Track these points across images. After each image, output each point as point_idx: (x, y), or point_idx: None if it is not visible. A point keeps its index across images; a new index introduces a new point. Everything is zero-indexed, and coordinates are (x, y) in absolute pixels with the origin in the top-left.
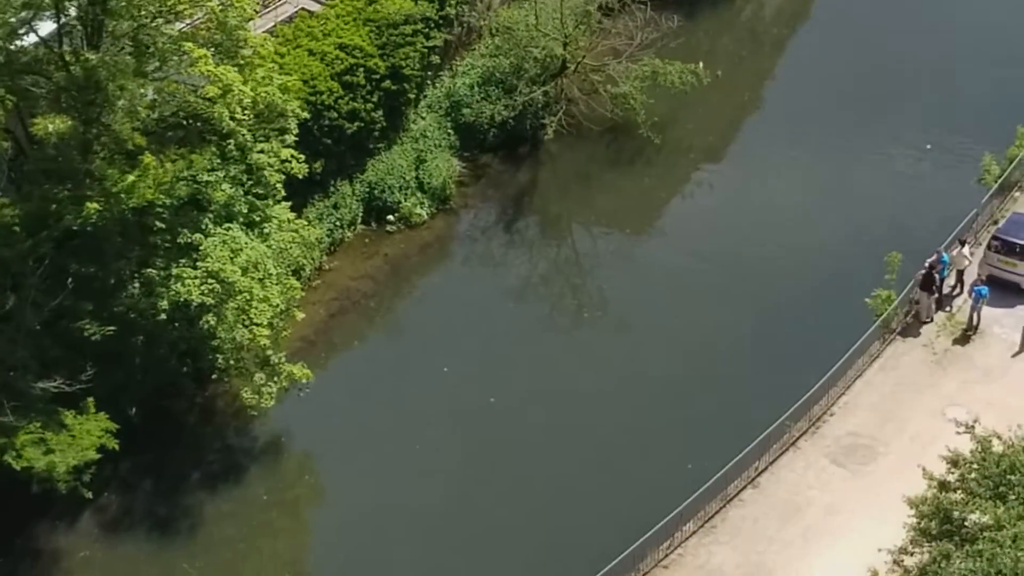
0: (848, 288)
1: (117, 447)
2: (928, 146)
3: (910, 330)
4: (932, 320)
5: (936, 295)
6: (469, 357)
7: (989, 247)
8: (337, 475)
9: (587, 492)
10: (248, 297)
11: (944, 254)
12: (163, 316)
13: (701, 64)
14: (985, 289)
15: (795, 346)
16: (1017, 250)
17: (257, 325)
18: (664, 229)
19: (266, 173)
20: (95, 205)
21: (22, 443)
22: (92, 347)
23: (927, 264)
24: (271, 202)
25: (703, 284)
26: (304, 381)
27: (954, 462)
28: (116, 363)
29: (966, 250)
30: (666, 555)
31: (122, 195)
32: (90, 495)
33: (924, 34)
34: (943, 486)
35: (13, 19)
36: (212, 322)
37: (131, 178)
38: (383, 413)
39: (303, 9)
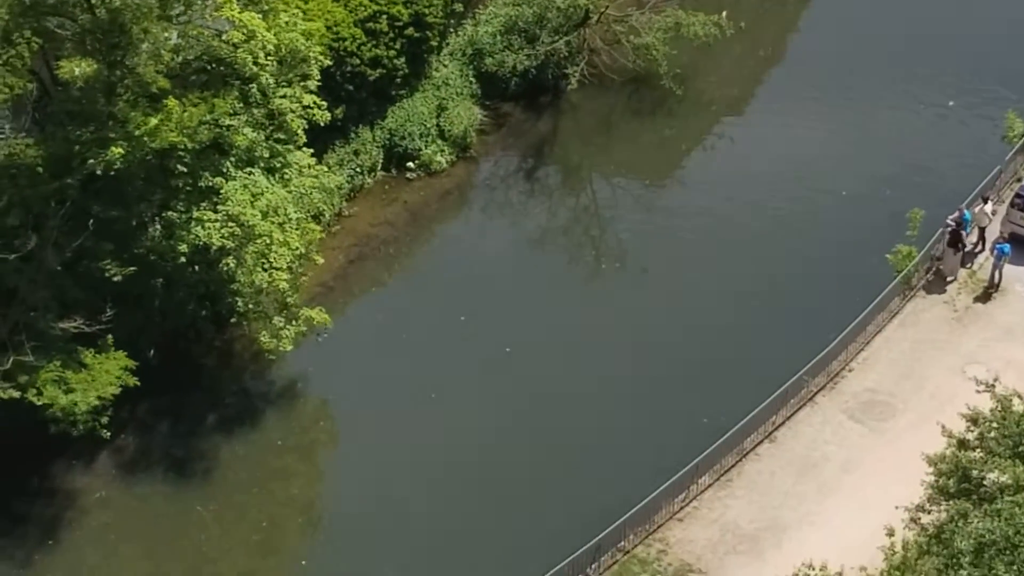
0: (869, 243)
1: (136, 383)
2: (951, 103)
3: (931, 287)
4: (956, 278)
5: (961, 252)
6: (487, 306)
7: (1012, 204)
8: (352, 421)
9: (602, 444)
10: (268, 241)
11: (967, 211)
12: (183, 259)
13: (724, 14)
14: (1007, 247)
15: (815, 301)
16: None
17: (277, 269)
18: (684, 180)
19: (288, 119)
20: (119, 149)
21: (43, 381)
22: (112, 288)
23: (952, 221)
24: (292, 147)
25: (722, 237)
26: (322, 326)
27: (974, 420)
28: (135, 305)
29: (988, 207)
30: (681, 508)
31: (145, 138)
32: (108, 435)
33: None
34: (962, 444)
35: None
36: (232, 265)
37: (154, 121)
38: (399, 360)
39: None
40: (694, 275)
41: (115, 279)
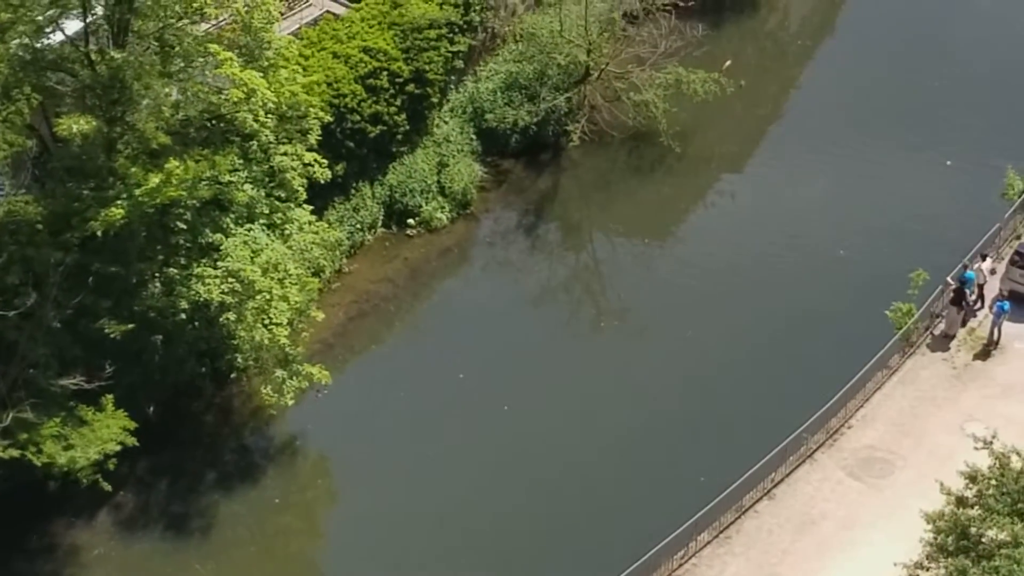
0: (868, 301)
1: (136, 443)
2: (948, 162)
3: (931, 344)
4: (955, 336)
5: (964, 310)
6: (486, 363)
7: (1012, 262)
8: (352, 478)
9: (601, 501)
10: (268, 296)
11: (970, 271)
12: (183, 316)
13: (727, 65)
14: (1007, 304)
15: (814, 358)
16: None
17: (277, 325)
18: (684, 238)
19: (288, 176)
20: (120, 211)
21: (43, 438)
22: (112, 345)
23: (953, 280)
24: (292, 204)
25: (722, 294)
26: (322, 383)
27: (972, 478)
28: (135, 362)
29: (987, 264)
30: (680, 565)
31: (145, 197)
32: (109, 487)
33: (946, 49)
34: (961, 502)
35: (40, 17)
36: (232, 320)
37: (155, 180)
38: (399, 417)
39: (328, 12)
40: (693, 332)
41: (114, 336)
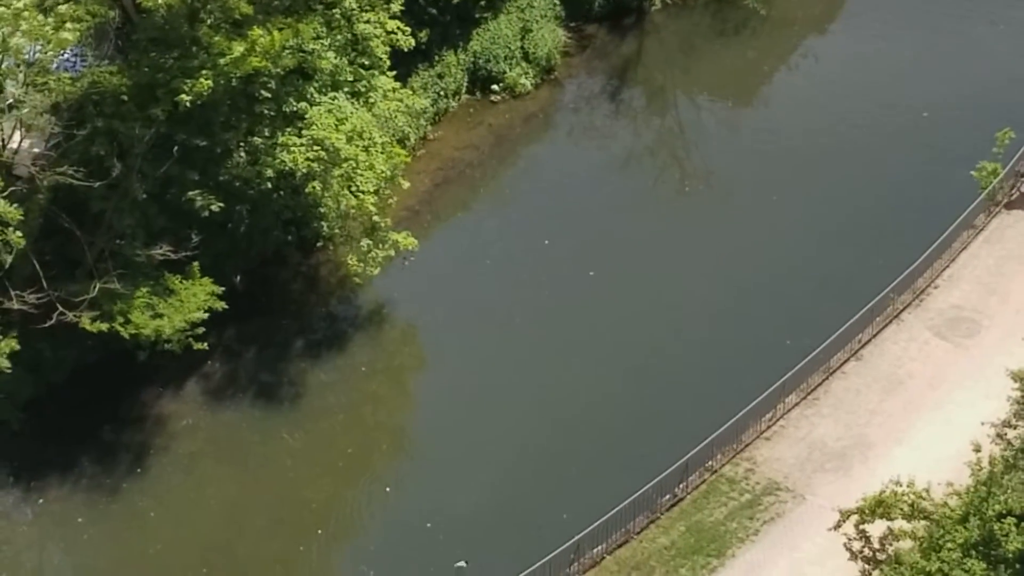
0: (955, 160)
1: (224, 307)
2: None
3: (1016, 203)
4: None
5: None
6: (571, 229)
7: None
8: (438, 346)
9: (689, 368)
10: (354, 164)
11: None
12: (268, 185)
13: None
14: None
15: (900, 219)
16: None
17: (363, 192)
18: (769, 101)
19: (372, 44)
20: (207, 81)
21: (130, 308)
22: (197, 215)
23: None
24: (376, 72)
25: (807, 157)
26: (409, 249)
27: None
28: (221, 231)
29: None
30: (768, 427)
31: (230, 66)
32: (205, 346)
33: None
34: None
35: None
36: (318, 189)
37: (239, 49)
38: (485, 284)
39: None
40: (779, 196)
41: (203, 213)
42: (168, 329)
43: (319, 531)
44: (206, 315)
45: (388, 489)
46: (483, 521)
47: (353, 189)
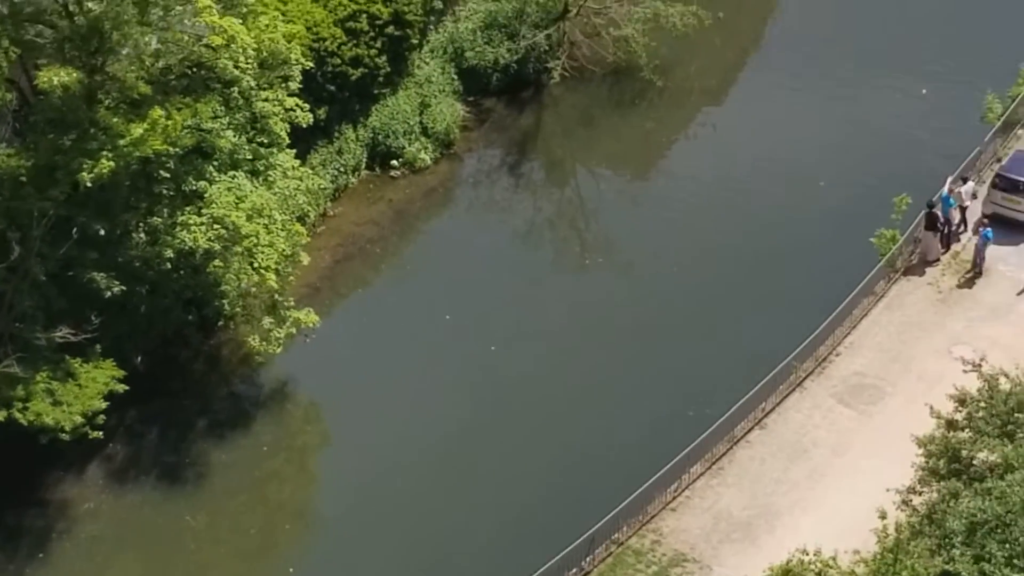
0: (853, 228)
1: (125, 389)
2: (924, 91)
3: (915, 269)
4: (939, 260)
5: (940, 234)
6: (472, 304)
7: (993, 185)
8: (341, 423)
9: (592, 438)
10: (255, 241)
11: (944, 192)
12: (168, 264)
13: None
14: (991, 232)
15: (801, 286)
16: (1021, 187)
17: (265, 268)
18: (668, 171)
19: (271, 121)
20: (108, 163)
21: (29, 394)
22: (98, 296)
23: (929, 203)
24: (275, 150)
25: (706, 226)
26: (310, 326)
27: (961, 401)
28: (122, 312)
29: (969, 187)
30: (674, 497)
31: (129, 148)
32: (100, 435)
33: None
34: (951, 425)
35: None
36: (219, 266)
37: (139, 130)
38: (387, 360)
39: None
40: (680, 265)
41: (106, 293)
42: (67, 422)
43: None
44: (106, 404)
45: (291, 570)
46: None
47: (255, 266)
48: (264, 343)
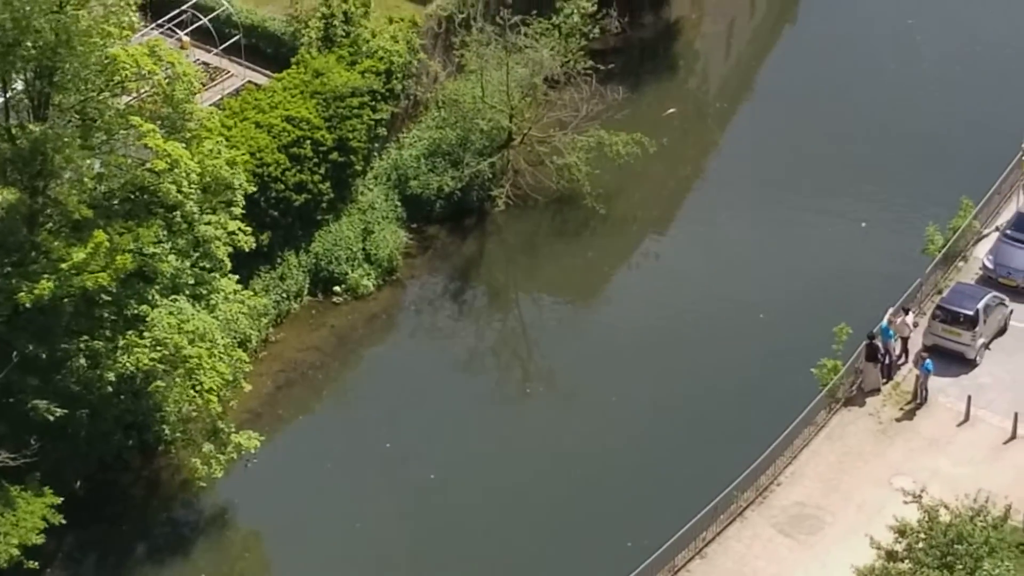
0: (794, 357)
1: (62, 522)
2: (863, 223)
3: (856, 399)
4: (879, 390)
5: (880, 364)
6: (413, 431)
7: (934, 316)
8: (281, 550)
9: (531, 568)
10: (197, 364)
11: (884, 324)
12: (109, 388)
13: (672, 110)
14: (931, 364)
15: (742, 416)
16: (961, 319)
17: (206, 392)
18: (610, 300)
19: (213, 246)
20: (49, 284)
21: None
22: (38, 421)
23: (870, 335)
24: (218, 274)
25: (648, 355)
26: (252, 451)
27: (901, 531)
28: (61, 436)
29: (910, 318)
30: None
31: (71, 272)
32: (36, 565)
33: (862, 107)
34: (891, 556)
35: None
36: (160, 386)
37: (81, 255)
38: (327, 488)
39: (250, 82)
40: (619, 396)
41: (49, 417)
42: (3, 554)
43: None
44: (42, 539)
45: None
46: None
47: (197, 389)
48: (205, 467)
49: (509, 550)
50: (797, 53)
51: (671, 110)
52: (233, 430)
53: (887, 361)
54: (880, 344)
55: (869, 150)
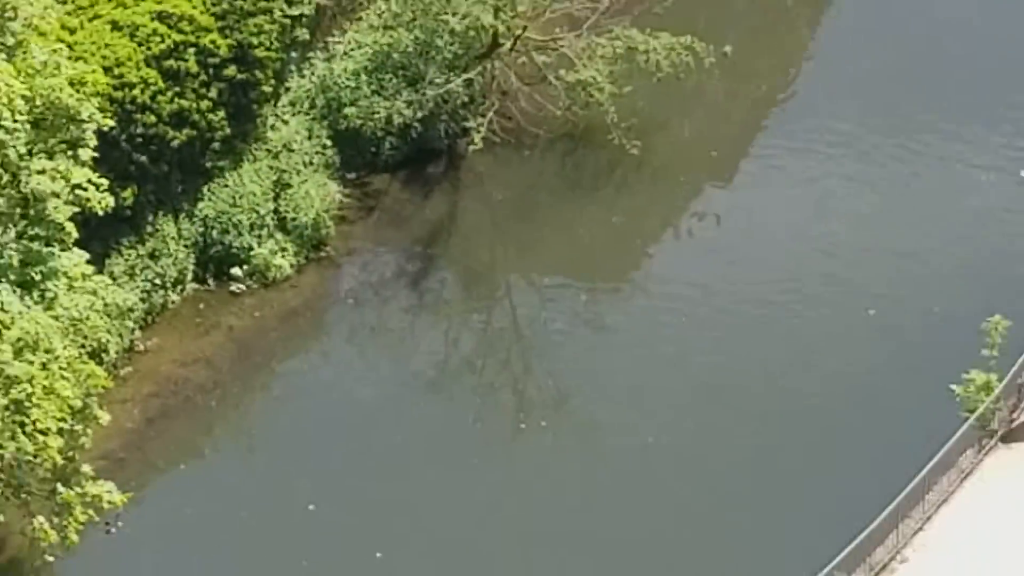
0: (923, 369)
1: None
2: (1023, 172)
3: (1020, 433)
4: None
5: None
6: (349, 488)
7: None
8: None
9: None
10: (28, 389)
11: None
12: None
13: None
14: None
15: (847, 461)
16: None
17: (42, 432)
18: (648, 285)
19: (50, 205)
20: None
21: None
22: None
23: None
24: (57, 249)
25: (705, 371)
26: (115, 509)
27: None
28: None
29: None
30: None
31: None
32: None
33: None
34: None
35: None
36: None
37: None
38: (222, 563)
39: None
40: (663, 428)
41: None
42: None
43: None
44: None
45: None
46: None
47: (28, 429)
48: (57, 532)
49: None
50: None
51: (728, 48)
52: (91, 474)
53: None
54: None
55: (1016, 63)
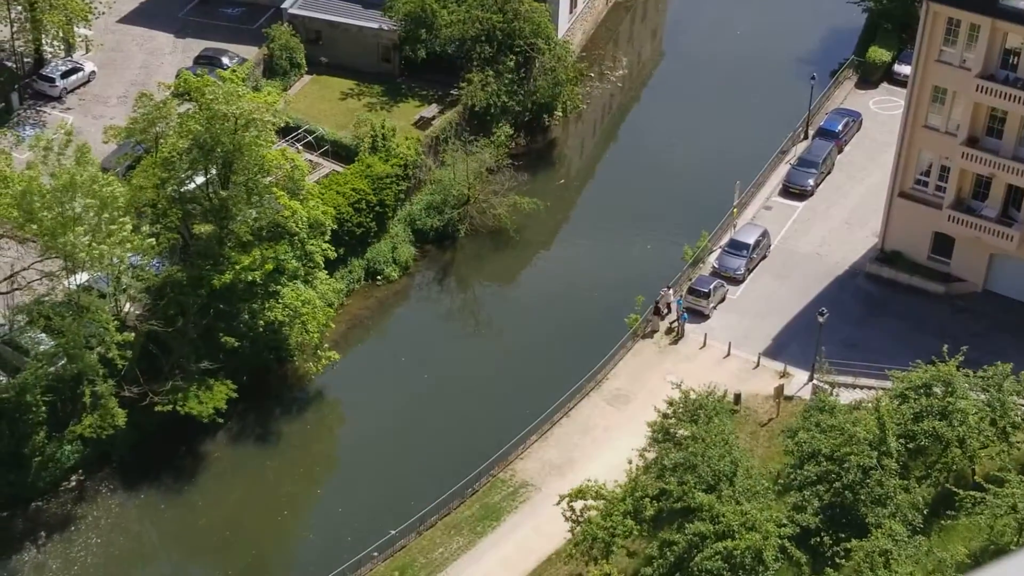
0: (615, 314)
1: (235, 395)
2: (649, 246)
3: (647, 335)
4: (658, 330)
5: (659, 317)
6: (420, 347)
7: (688, 292)
8: (351, 412)
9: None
10: (307, 317)
11: (679, 299)
12: (260, 329)
13: (562, 180)
14: (686, 316)
15: (589, 344)
16: (701, 294)
17: (310, 331)
18: (520, 282)
19: (315, 256)
20: (228, 276)
21: (186, 397)
22: (223, 346)
23: (656, 300)
24: (316, 270)
25: (543, 312)
26: (335, 361)
27: (670, 403)
28: (236, 354)
29: (671, 292)
30: (522, 452)
31: (241, 271)
32: (221, 420)
33: (658, 173)
34: (664, 416)
35: (183, 174)
36: (288, 330)
37: (247, 261)
38: (374, 381)
39: (333, 170)
40: (526, 330)
41: (230, 343)
42: (206, 413)
43: None
44: (224, 405)
45: None
46: None
47: (307, 329)
48: (312, 368)
49: (456, 420)
50: (620, 149)
51: (560, 181)
52: (326, 348)
53: (663, 315)
54: (661, 306)
55: (652, 200)
